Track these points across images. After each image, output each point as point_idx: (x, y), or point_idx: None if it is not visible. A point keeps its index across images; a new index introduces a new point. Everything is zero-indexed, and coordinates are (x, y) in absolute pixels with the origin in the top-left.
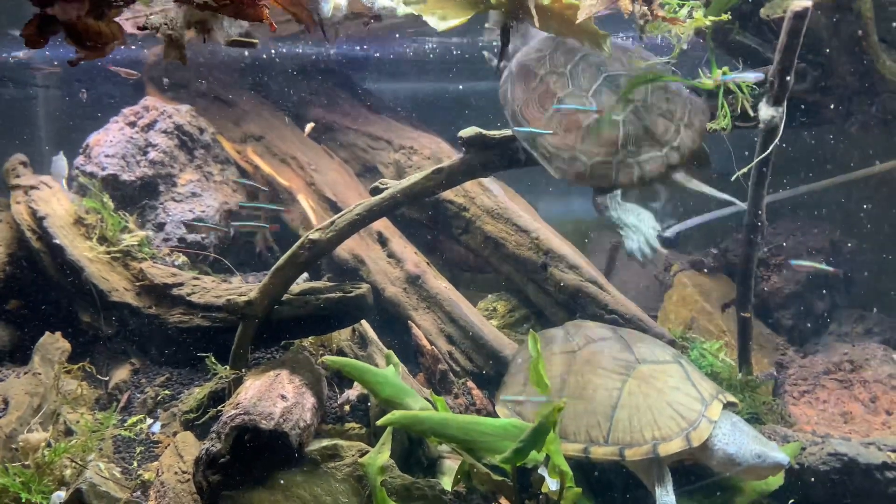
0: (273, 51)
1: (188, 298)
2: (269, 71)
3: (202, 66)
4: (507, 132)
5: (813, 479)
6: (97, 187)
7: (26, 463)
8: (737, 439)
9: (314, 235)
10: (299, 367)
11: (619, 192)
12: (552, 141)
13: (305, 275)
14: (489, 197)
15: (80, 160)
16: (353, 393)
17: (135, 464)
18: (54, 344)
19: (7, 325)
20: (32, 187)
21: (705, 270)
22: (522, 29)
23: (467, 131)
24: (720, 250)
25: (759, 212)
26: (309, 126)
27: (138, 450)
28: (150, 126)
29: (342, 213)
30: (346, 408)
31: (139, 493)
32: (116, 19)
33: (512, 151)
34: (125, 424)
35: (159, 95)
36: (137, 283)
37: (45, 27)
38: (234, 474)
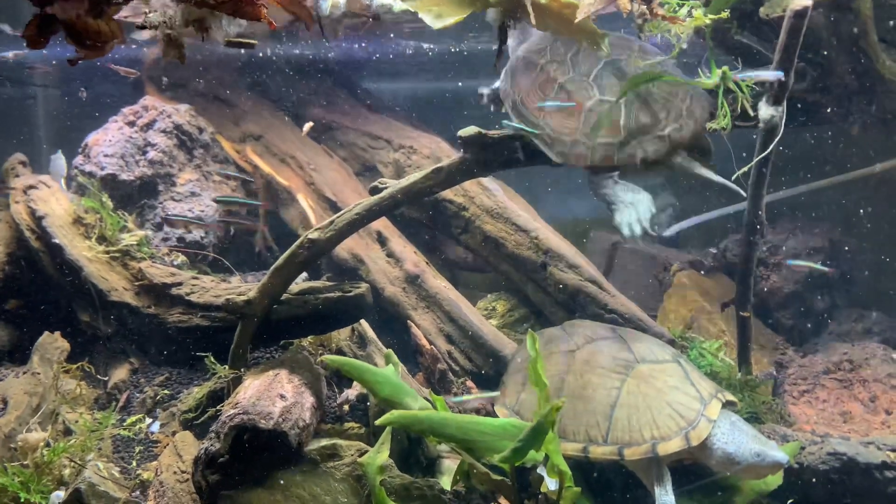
0: (270, 50)
1: (187, 298)
2: (268, 70)
3: (201, 65)
4: (507, 131)
5: (812, 479)
6: (96, 187)
7: (25, 462)
8: (736, 438)
9: (313, 235)
10: (298, 367)
11: (616, 171)
12: (553, 126)
13: (305, 274)
14: (488, 196)
15: (78, 160)
16: (352, 392)
17: (134, 463)
18: (53, 343)
19: (6, 324)
20: (31, 187)
21: (702, 273)
22: (520, 27)
23: (466, 131)
24: (720, 250)
25: (759, 211)
26: (307, 126)
27: (137, 449)
28: (149, 125)
29: (341, 212)
30: (346, 407)
31: (138, 492)
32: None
33: (511, 151)
34: (124, 424)
35: (158, 95)
36: (136, 283)
37: (45, 27)
38: (233, 474)
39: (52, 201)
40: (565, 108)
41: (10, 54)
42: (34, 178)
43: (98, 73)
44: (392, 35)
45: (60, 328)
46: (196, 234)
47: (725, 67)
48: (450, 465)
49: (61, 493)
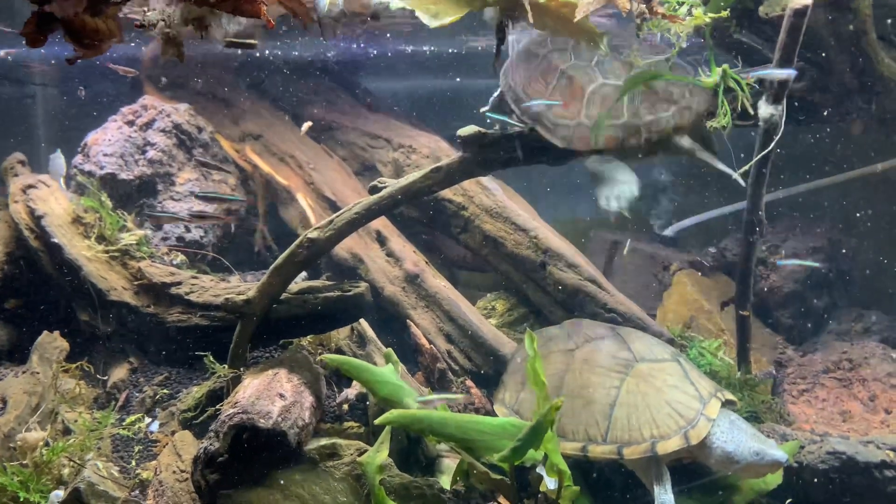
0: (269, 49)
1: (187, 297)
2: (267, 69)
3: (200, 64)
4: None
5: (811, 478)
6: (95, 186)
7: (24, 462)
8: (735, 437)
9: (313, 234)
10: (298, 366)
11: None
12: (556, 111)
13: (304, 274)
14: (488, 196)
15: (78, 159)
16: (351, 392)
17: (133, 463)
18: (52, 343)
19: (5, 324)
20: (30, 186)
21: (701, 274)
22: (519, 26)
23: (466, 130)
24: (719, 249)
25: (758, 211)
26: (306, 125)
27: (136, 449)
28: (148, 125)
29: (341, 211)
30: (345, 407)
31: (137, 492)
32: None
33: (510, 150)
34: (123, 423)
35: (158, 94)
36: (136, 282)
37: (44, 25)
38: (232, 473)
39: (51, 201)
40: (553, 104)
41: (1, 52)
42: (33, 177)
43: (96, 72)
44: (389, 35)
45: (60, 328)
46: (195, 233)
47: (725, 66)
48: (449, 464)
49: (60, 493)
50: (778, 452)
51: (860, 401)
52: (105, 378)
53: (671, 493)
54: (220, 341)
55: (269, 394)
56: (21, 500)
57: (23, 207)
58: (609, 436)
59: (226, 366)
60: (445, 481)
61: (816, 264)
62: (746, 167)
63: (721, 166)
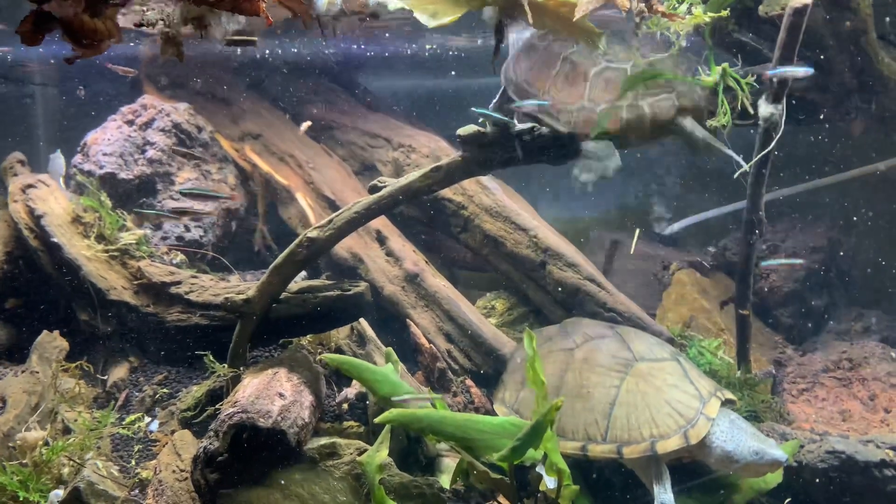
0: (269, 48)
1: (186, 297)
2: (267, 69)
3: (200, 63)
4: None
5: (811, 477)
6: (95, 185)
7: (24, 461)
8: (735, 437)
9: (312, 234)
10: (297, 366)
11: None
12: (559, 98)
13: (304, 273)
14: (488, 195)
15: (77, 158)
16: (351, 391)
17: (133, 462)
18: (52, 342)
19: (5, 323)
20: (30, 186)
21: (699, 275)
22: (518, 27)
23: (466, 129)
24: (719, 248)
25: (758, 210)
26: (305, 125)
27: (136, 448)
28: (147, 124)
29: (340, 211)
30: (345, 406)
31: (137, 491)
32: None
33: (510, 150)
34: (123, 423)
35: (157, 93)
36: (135, 282)
37: (41, 24)
38: (232, 472)
39: (50, 200)
40: (539, 105)
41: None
42: (33, 176)
43: (93, 71)
44: (388, 35)
45: (59, 327)
46: (195, 232)
47: (725, 65)
48: (449, 463)
49: (60, 492)
50: (777, 452)
51: (860, 400)
52: (105, 377)
53: (671, 493)
54: (220, 340)
55: (269, 393)
56: (21, 499)
57: (22, 207)
58: (609, 435)
59: (225, 365)
60: (445, 480)
61: (799, 261)
62: (747, 167)
63: (726, 150)
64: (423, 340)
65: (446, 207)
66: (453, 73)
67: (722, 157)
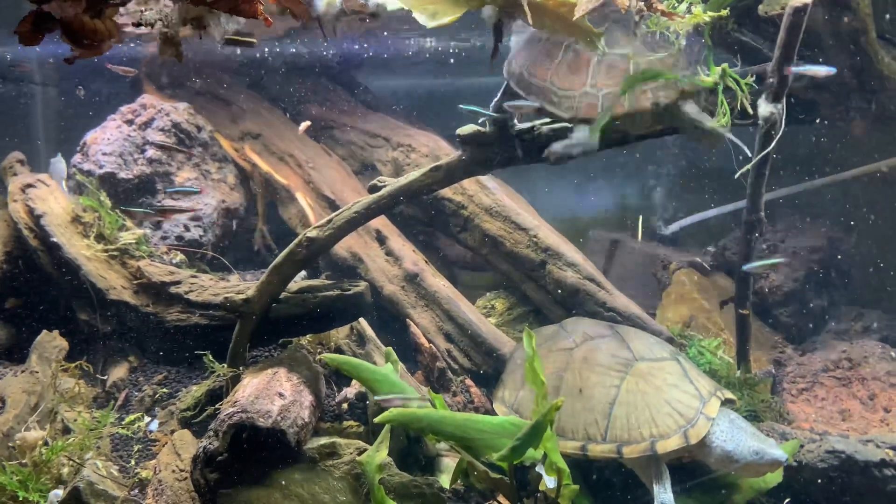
0: (268, 48)
1: (186, 296)
2: (266, 68)
3: (200, 63)
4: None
5: (811, 477)
6: (94, 185)
7: (24, 461)
8: (735, 436)
9: (312, 233)
10: (297, 365)
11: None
12: (560, 84)
13: (304, 273)
14: (487, 195)
15: (77, 158)
16: (351, 391)
17: (132, 462)
18: (52, 342)
19: (4, 323)
20: (30, 185)
21: (697, 277)
22: (518, 26)
23: (465, 129)
24: (719, 248)
25: (758, 210)
26: (304, 124)
27: (136, 448)
28: (147, 124)
29: (340, 210)
30: (345, 406)
31: (137, 491)
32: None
33: (510, 149)
34: (123, 423)
35: (157, 93)
36: (135, 282)
37: (41, 24)
38: (231, 472)
39: (50, 200)
40: (530, 105)
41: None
42: (32, 176)
43: (90, 70)
44: (386, 33)
45: (59, 327)
46: (195, 232)
47: (725, 65)
48: (449, 463)
49: (60, 492)
50: (777, 451)
51: (859, 400)
52: (104, 377)
53: (671, 492)
54: (220, 340)
55: (269, 393)
56: (20, 499)
57: (22, 206)
58: (608, 435)
59: (225, 365)
60: (445, 480)
61: (780, 260)
62: (749, 166)
63: (728, 135)
64: (423, 340)
65: (446, 207)
66: (453, 72)
67: (722, 157)
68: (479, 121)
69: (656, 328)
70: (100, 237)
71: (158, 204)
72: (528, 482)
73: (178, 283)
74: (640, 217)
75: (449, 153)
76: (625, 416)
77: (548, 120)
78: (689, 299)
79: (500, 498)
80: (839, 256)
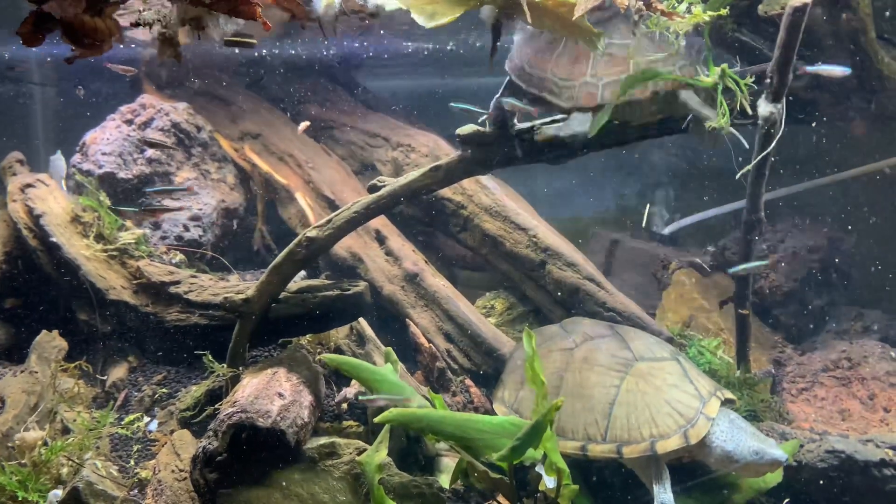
0: (268, 49)
1: (186, 296)
2: (266, 68)
3: (199, 63)
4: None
5: (811, 477)
6: (94, 185)
7: (23, 461)
8: (735, 436)
9: (312, 233)
10: (297, 365)
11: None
12: (560, 75)
13: (303, 273)
14: (487, 195)
15: (76, 158)
16: (350, 391)
17: (132, 462)
18: (51, 342)
19: (4, 323)
20: (29, 185)
21: (697, 277)
22: (520, 26)
23: (465, 129)
24: (718, 248)
25: (758, 210)
26: (303, 124)
27: (135, 448)
28: (147, 124)
29: (340, 210)
30: (344, 406)
31: (136, 491)
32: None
33: (510, 149)
34: (122, 423)
35: (156, 93)
36: (135, 282)
37: (41, 24)
38: (231, 472)
39: (49, 200)
40: (524, 108)
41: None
42: (32, 176)
43: (89, 71)
44: (383, 32)
45: (58, 327)
46: (194, 232)
47: (724, 65)
48: (448, 463)
49: (59, 492)
50: (777, 451)
51: (859, 399)
52: (104, 377)
53: (671, 492)
54: (219, 340)
55: (268, 393)
56: (20, 499)
57: (21, 206)
58: (608, 435)
59: (225, 365)
60: (445, 480)
61: (765, 262)
62: (750, 166)
63: (730, 129)
64: (423, 340)
65: (446, 207)
66: (453, 72)
67: (721, 157)
68: (479, 120)
69: (656, 328)
70: (99, 237)
71: (158, 204)
72: (528, 482)
73: (177, 282)
74: (648, 206)
75: (449, 153)
76: (625, 416)
77: (548, 119)
78: (689, 299)
79: (500, 498)
80: (839, 256)
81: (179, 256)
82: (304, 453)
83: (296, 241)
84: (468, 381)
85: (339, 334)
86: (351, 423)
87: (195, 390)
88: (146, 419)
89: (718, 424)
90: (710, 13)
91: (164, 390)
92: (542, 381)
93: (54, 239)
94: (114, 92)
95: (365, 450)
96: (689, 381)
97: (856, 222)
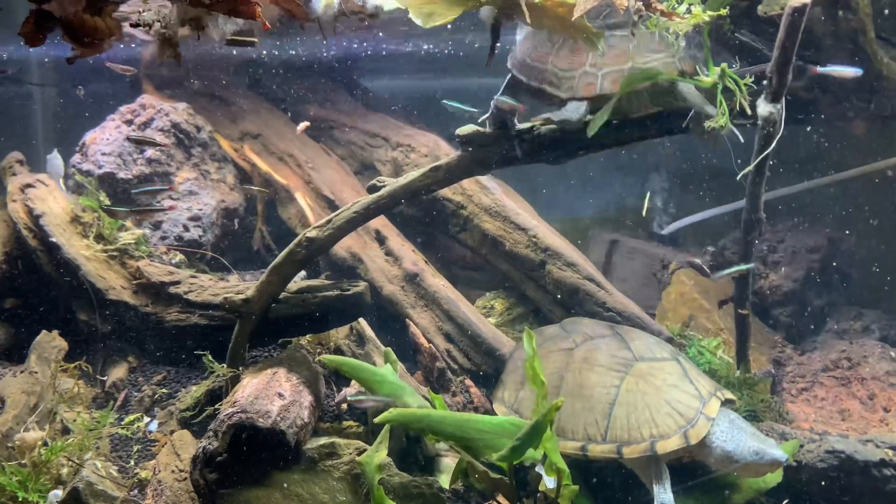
0: (267, 49)
1: (185, 297)
2: (266, 68)
3: (199, 63)
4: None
5: (811, 477)
6: (93, 185)
7: (23, 462)
8: (735, 436)
9: (311, 233)
10: (297, 365)
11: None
12: (560, 66)
13: (303, 273)
14: (487, 195)
15: (76, 158)
16: (350, 391)
17: (132, 462)
18: (51, 342)
19: (3, 323)
20: (29, 185)
21: (697, 277)
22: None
23: (465, 129)
24: (718, 248)
25: (758, 210)
26: (302, 124)
27: (135, 448)
28: (146, 124)
29: (340, 210)
30: (344, 406)
31: (136, 491)
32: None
33: (509, 149)
34: (122, 423)
35: (156, 93)
36: (134, 282)
37: (42, 24)
38: (231, 472)
39: (49, 200)
40: (516, 105)
41: None
42: (31, 176)
43: (88, 71)
44: (381, 33)
45: (58, 327)
46: (194, 232)
47: (724, 65)
48: (448, 463)
49: (59, 492)
50: (777, 451)
51: (859, 399)
52: (104, 377)
53: (671, 492)
54: (219, 340)
55: (268, 393)
56: (20, 499)
57: (21, 206)
58: (608, 435)
59: (224, 365)
60: (444, 480)
61: (750, 265)
62: (751, 166)
63: (730, 126)
64: (423, 340)
65: (445, 207)
66: (453, 72)
67: (721, 156)
68: (479, 120)
69: (656, 328)
70: (99, 237)
71: (158, 203)
72: (527, 482)
73: (177, 283)
74: (648, 194)
75: (449, 153)
76: (625, 417)
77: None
78: (688, 299)
79: (500, 498)
80: (839, 256)
81: (179, 256)
82: (304, 453)
83: (296, 241)
84: (468, 381)
85: (339, 334)
86: (351, 423)
87: (195, 390)
88: (146, 419)
89: (718, 424)
90: (709, 13)
91: (164, 390)
92: (542, 381)
93: (54, 239)
94: (114, 92)
95: (365, 450)
96: (689, 381)
97: (856, 222)
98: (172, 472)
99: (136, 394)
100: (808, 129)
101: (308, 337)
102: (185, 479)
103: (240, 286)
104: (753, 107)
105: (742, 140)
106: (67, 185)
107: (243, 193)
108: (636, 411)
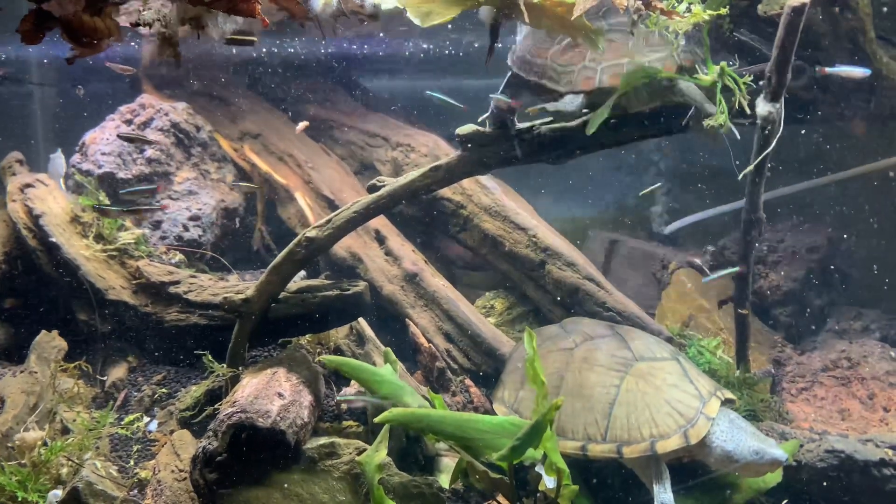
0: (267, 48)
1: (185, 296)
2: (265, 68)
3: (199, 63)
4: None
5: (811, 477)
6: (93, 185)
7: (23, 462)
8: (735, 436)
9: (311, 233)
10: (296, 365)
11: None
12: (560, 61)
13: (303, 273)
14: (487, 195)
15: (76, 158)
16: (350, 391)
17: (132, 462)
18: (51, 342)
19: (3, 323)
20: (28, 185)
21: (695, 278)
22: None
23: (464, 128)
24: (718, 248)
25: (757, 209)
26: (302, 124)
27: (135, 448)
28: (146, 124)
29: (339, 210)
30: (344, 406)
31: (136, 491)
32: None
33: (509, 148)
34: (122, 423)
35: (156, 93)
36: (134, 282)
37: (41, 23)
38: (231, 472)
39: (49, 199)
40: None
41: None
42: (31, 176)
43: (88, 71)
44: (382, 34)
45: (58, 327)
46: (194, 232)
47: (723, 63)
48: (448, 463)
49: (59, 492)
50: (777, 451)
51: (859, 399)
52: (103, 377)
53: (671, 492)
54: (219, 340)
55: (268, 393)
56: (19, 499)
57: (21, 206)
58: (608, 435)
59: (224, 365)
60: (444, 480)
61: (736, 269)
62: (751, 166)
63: (728, 124)
64: (423, 340)
65: (445, 207)
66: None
67: (721, 155)
68: (479, 120)
69: (656, 328)
70: (99, 237)
71: (157, 203)
72: (527, 482)
73: (177, 282)
74: (651, 186)
75: (448, 153)
76: (625, 416)
77: (548, 119)
78: (688, 299)
79: (500, 498)
80: (839, 256)
81: (179, 256)
82: (304, 453)
83: (295, 241)
84: (468, 381)
85: (339, 334)
86: (351, 423)
87: (195, 390)
88: (146, 419)
89: (718, 424)
90: (709, 13)
91: (163, 390)
92: (542, 381)
93: (54, 239)
94: (113, 92)
95: (365, 450)
96: (689, 380)
97: (856, 222)
98: (172, 471)
99: (135, 394)
100: (808, 128)
101: (308, 337)
102: (185, 478)
103: (239, 286)
104: (753, 106)
105: (739, 138)
106: (67, 185)
107: (241, 193)
108: (636, 411)
